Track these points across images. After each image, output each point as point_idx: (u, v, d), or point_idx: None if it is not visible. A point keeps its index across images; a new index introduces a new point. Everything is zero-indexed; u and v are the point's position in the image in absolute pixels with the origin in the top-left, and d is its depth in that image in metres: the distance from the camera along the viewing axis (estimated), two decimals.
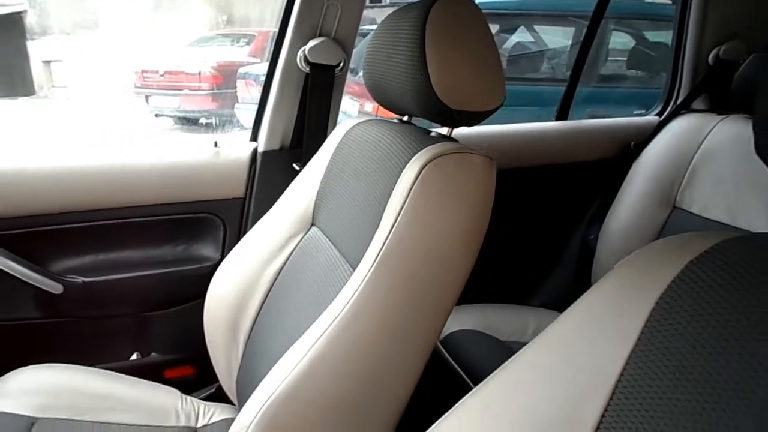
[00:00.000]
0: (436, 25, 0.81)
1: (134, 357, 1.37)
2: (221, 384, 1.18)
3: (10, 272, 1.19)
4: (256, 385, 0.85)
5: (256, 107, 1.38)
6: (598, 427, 0.43)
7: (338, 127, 1.11)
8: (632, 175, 1.59)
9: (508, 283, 1.65)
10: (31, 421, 1.00)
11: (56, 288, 1.23)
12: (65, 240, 1.27)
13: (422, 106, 0.87)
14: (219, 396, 1.27)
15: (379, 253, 0.77)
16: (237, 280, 1.10)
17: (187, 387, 1.21)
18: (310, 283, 0.99)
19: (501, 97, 0.87)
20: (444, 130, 0.93)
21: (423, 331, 0.79)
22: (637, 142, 1.64)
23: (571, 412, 0.44)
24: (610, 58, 4.04)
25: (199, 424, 1.13)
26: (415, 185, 0.78)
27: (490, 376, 0.53)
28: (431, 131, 0.94)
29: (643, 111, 1.92)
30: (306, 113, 1.30)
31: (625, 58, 3.81)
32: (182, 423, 1.12)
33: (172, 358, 1.39)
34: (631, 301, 0.45)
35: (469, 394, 0.53)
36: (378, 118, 1.07)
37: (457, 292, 0.81)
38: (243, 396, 1.10)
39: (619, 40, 4.03)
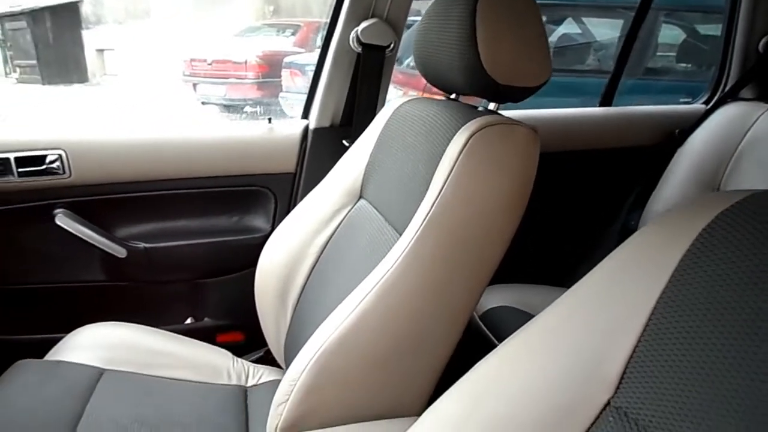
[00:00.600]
0: (487, 1, 0.85)
1: (189, 321, 1.46)
2: (270, 348, 1.23)
3: (81, 236, 1.29)
4: None
5: (299, 96, 1.44)
6: (626, 369, 0.45)
7: (387, 105, 1.15)
8: (676, 161, 1.59)
9: (547, 265, 1.67)
10: (100, 372, 1.08)
11: (120, 252, 1.32)
12: (130, 208, 1.36)
13: (471, 82, 0.91)
14: (267, 360, 1.33)
15: (425, 218, 0.82)
16: (286, 250, 1.15)
17: (236, 351, 1.27)
18: (357, 251, 1.04)
19: (548, 74, 0.90)
20: (491, 106, 0.96)
21: (464, 293, 0.84)
22: (683, 129, 1.64)
23: (599, 355, 0.47)
24: (659, 53, 3.96)
25: (249, 384, 1.20)
26: (461, 154, 0.82)
27: (519, 330, 0.56)
28: (478, 107, 0.98)
29: (690, 99, 1.91)
30: (356, 92, 1.35)
31: (674, 53, 3.73)
32: (233, 382, 1.18)
33: (223, 323, 1.47)
34: (662, 248, 0.47)
35: (502, 343, 0.57)
36: (426, 97, 1.12)
37: (496, 259, 0.84)
38: (290, 359, 1.15)
39: (670, 33, 3.95)
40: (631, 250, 0.51)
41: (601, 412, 0.46)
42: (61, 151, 1.26)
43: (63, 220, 1.28)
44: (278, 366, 1.26)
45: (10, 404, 0.97)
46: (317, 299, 1.10)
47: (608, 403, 0.46)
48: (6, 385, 1.03)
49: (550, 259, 1.71)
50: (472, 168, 0.82)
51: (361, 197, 1.13)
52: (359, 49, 1.32)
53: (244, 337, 1.46)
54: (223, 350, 1.27)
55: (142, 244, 1.36)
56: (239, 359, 1.25)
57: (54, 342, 1.18)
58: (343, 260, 1.07)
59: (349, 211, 1.13)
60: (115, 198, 1.33)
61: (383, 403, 0.83)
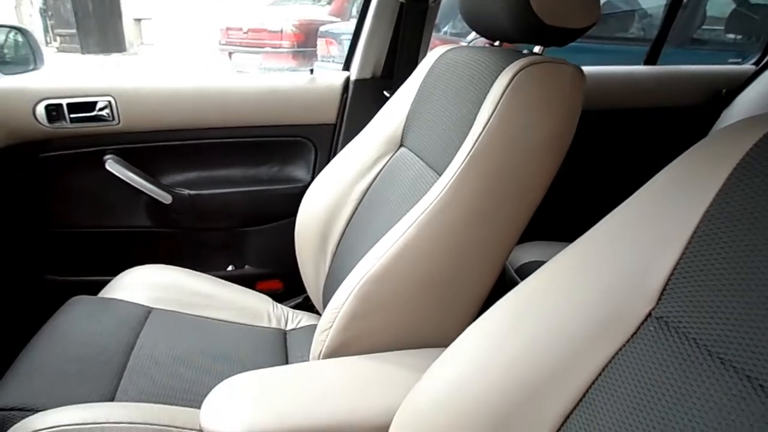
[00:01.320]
0: None
1: (230, 269, 1.50)
2: (309, 295, 1.26)
3: (129, 182, 1.33)
4: None
5: (335, 65, 1.44)
6: (668, 281, 0.46)
7: (429, 54, 1.15)
8: (722, 121, 1.56)
9: (585, 223, 1.67)
10: (148, 310, 1.13)
11: (166, 198, 1.37)
12: (175, 156, 1.40)
13: (517, 24, 0.90)
14: (306, 306, 1.37)
15: (468, 154, 0.82)
16: (327, 197, 1.17)
17: (275, 299, 1.31)
18: (396, 196, 1.05)
19: (595, 16, 0.89)
20: (536, 50, 0.96)
21: (504, 230, 0.84)
22: (730, 89, 1.60)
23: (641, 270, 0.47)
24: (706, 26, 3.82)
25: (288, 328, 1.23)
26: (506, 91, 0.82)
27: (561, 252, 0.57)
28: (523, 51, 0.97)
29: (739, 60, 1.85)
30: (398, 43, 1.35)
31: (722, 27, 3.60)
32: (273, 325, 1.22)
33: (263, 272, 1.51)
34: (710, 164, 0.48)
35: (545, 264, 0.57)
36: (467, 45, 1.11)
37: (536, 200, 0.85)
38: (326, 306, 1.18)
39: (718, 4, 3.81)
40: (678, 169, 0.51)
41: (642, 323, 0.46)
42: (110, 98, 1.30)
43: (112, 165, 1.33)
44: (316, 312, 1.29)
45: (68, 334, 1.02)
46: (356, 244, 1.12)
47: (649, 315, 0.46)
48: (62, 317, 1.08)
49: (588, 218, 1.69)
50: (516, 105, 0.82)
51: (401, 145, 1.14)
52: (402, 0, 1.32)
53: (283, 285, 1.49)
54: (264, 295, 1.31)
55: (186, 191, 1.39)
56: (279, 304, 1.29)
57: (103, 284, 1.23)
58: (383, 206, 1.08)
59: (389, 160, 1.14)
60: (161, 146, 1.37)
61: (424, 333, 0.85)
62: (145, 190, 1.35)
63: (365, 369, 0.81)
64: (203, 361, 1.02)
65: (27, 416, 0.84)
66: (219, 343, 1.07)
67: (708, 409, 0.39)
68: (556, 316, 0.51)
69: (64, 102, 1.28)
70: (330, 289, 1.18)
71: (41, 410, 0.85)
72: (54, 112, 1.28)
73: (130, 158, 1.35)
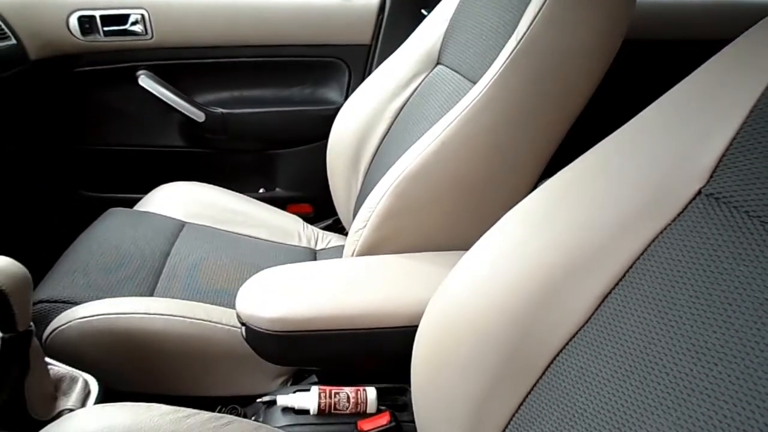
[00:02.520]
0: None
1: (261, 191, 1.51)
2: (339, 217, 1.27)
3: (162, 98, 1.33)
4: None
5: None
6: (721, 159, 0.44)
7: None
8: None
9: None
10: (182, 224, 1.15)
11: (199, 116, 1.37)
12: (208, 74, 1.40)
13: None
14: (336, 228, 1.38)
15: (510, 53, 0.79)
16: (360, 116, 1.15)
17: (305, 222, 1.31)
18: (433, 111, 1.03)
19: None
20: None
21: (543, 134, 0.83)
22: None
23: (692, 149, 0.46)
24: None
25: (318, 247, 1.25)
26: None
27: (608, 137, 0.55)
28: None
29: None
30: None
31: None
32: (303, 244, 1.23)
33: (293, 195, 1.52)
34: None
35: (591, 150, 0.56)
36: None
37: (576, 109, 0.82)
38: None
39: None
40: (743, 43, 0.49)
41: (690, 201, 0.45)
42: (143, 11, 1.29)
43: (145, 81, 1.33)
44: (346, 234, 1.30)
45: (105, 239, 1.05)
46: (389, 163, 1.11)
47: (699, 192, 0.45)
48: (100, 225, 1.12)
49: None
50: (561, 9, 0.79)
51: (438, 63, 1.11)
52: None
53: (313, 209, 1.50)
54: (295, 216, 1.32)
55: (219, 110, 1.39)
56: (309, 225, 1.30)
57: (137, 202, 1.25)
58: (418, 123, 1.07)
59: (425, 78, 1.12)
60: (194, 63, 1.36)
61: (457, 235, 0.85)
62: (178, 108, 1.35)
63: (398, 264, 0.81)
64: (236, 271, 1.04)
65: (69, 308, 0.87)
66: (251, 257, 1.09)
67: (756, 275, 0.39)
68: (598, 198, 0.50)
69: (97, 14, 1.28)
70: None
71: (82, 303, 0.88)
72: (87, 24, 1.28)
73: (163, 75, 1.35)
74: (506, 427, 0.54)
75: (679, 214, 0.45)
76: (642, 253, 0.46)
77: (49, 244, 1.05)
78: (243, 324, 0.73)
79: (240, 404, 0.88)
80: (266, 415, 0.82)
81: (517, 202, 0.85)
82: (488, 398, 0.54)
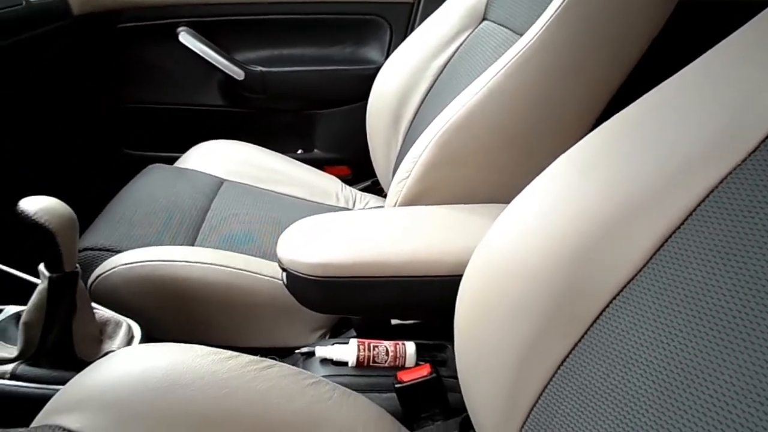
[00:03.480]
0: None
1: (299, 152, 1.50)
2: (378, 178, 1.25)
3: (202, 55, 1.33)
4: None
5: None
6: None
7: None
8: None
9: None
10: (221, 181, 1.15)
11: (239, 74, 1.36)
12: (248, 32, 1.39)
13: None
14: (374, 190, 1.37)
15: (562, 2, 0.76)
16: (401, 74, 1.13)
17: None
18: (478, 66, 1.00)
19: None
20: None
21: (592, 88, 0.79)
22: None
23: (756, 99, 0.43)
24: None
25: (356, 208, 1.24)
26: None
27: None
28: None
29: None
30: None
31: None
32: (341, 204, 1.22)
33: (331, 156, 1.51)
34: None
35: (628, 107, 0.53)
36: None
37: (631, 62, 0.78)
38: None
39: None
40: None
41: (765, 138, 0.42)
42: None
43: (186, 38, 1.32)
44: (384, 196, 1.29)
45: (146, 193, 1.06)
46: (431, 121, 1.09)
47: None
48: (141, 180, 1.13)
49: None
50: None
51: (484, 19, 1.08)
52: None
53: (351, 171, 1.49)
54: (333, 177, 1.31)
55: (258, 68, 1.38)
56: (347, 186, 1.29)
57: (175, 161, 1.26)
58: (462, 79, 1.03)
59: (470, 34, 1.09)
60: (234, 20, 1.36)
61: (503, 187, 0.82)
62: (218, 65, 1.35)
63: (442, 214, 0.80)
64: (274, 227, 1.04)
65: (112, 256, 0.88)
66: (289, 215, 1.09)
67: None
68: (659, 137, 0.47)
69: None
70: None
71: (125, 251, 0.89)
72: None
73: (203, 32, 1.35)
74: (551, 380, 0.52)
75: (750, 153, 0.43)
76: (708, 195, 0.44)
77: (92, 198, 1.07)
78: (284, 269, 0.73)
79: (278, 356, 0.89)
80: (304, 365, 0.82)
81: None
82: (533, 350, 0.53)
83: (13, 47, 1.09)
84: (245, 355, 0.65)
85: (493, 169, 0.82)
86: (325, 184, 1.27)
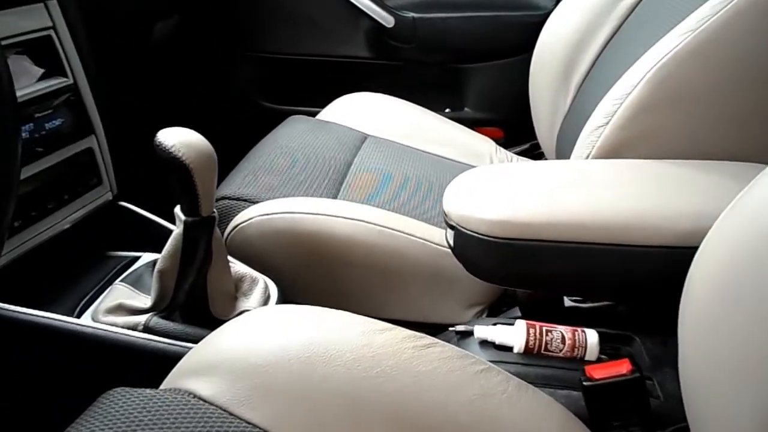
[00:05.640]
0: None
1: (447, 110, 1.38)
2: (539, 140, 1.10)
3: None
4: (578, 136, 0.74)
5: None
6: None
7: None
8: None
9: None
10: (364, 136, 1.06)
11: (388, 21, 1.27)
12: None
13: None
14: (532, 155, 1.22)
15: None
16: (578, 18, 0.97)
17: None
18: (686, 4, 0.81)
19: None
20: None
21: None
22: None
23: None
24: None
25: None
26: None
27: None
28: None
29: None
30: None
31: None
32: None
33: (483, 117, 1.37)
34: None
35: None
36: None
37: None
38: (564, 149, 1.01)
39: None
40: None
41: None
42: None
43: None
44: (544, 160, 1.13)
45: (288, 143, 0.99)
46: (615, 72, 0.90)
47: None
48: (282, 130, 1.06)
49: None
50: None
51: None
52: None
53: (504, 134, 1.34)
54: (487, 138, 1.18)
55: (410, 14, 1.28)
56: (502, 149, 1.15)
57: (314, 115, 1.19)
58: (663, 18, 0.83)
59: None
60: None
61: (744, 140, 0.63)
62: (366, 10, 1.26)
63: (661, 170, 0.62)
64: (423, 189, 0.92)
65: (250, 206, 0.81)
66: (439, 176, 0.97)
67: None
68: None
69: None
70: (568, 131, 0.99)
71: (264, 201, 0.81)
72: None
73: None
74: None
75: None
76: None
77: (229, 150, 1.02)
78: (452, 227, 0.59)
79: (428, 332, 0.77)
80: (458, 345, 0.70)
81: None
82: None
83: None
84: (401, 329, 0.53)
85: (731, 115, 0.62)
86: (477, 145, 1.14)
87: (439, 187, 0.94)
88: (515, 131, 1.30)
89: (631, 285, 0.59)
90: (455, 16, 1.28)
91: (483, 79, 1.35)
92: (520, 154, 1.18)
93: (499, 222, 0.55)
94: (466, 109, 1.39)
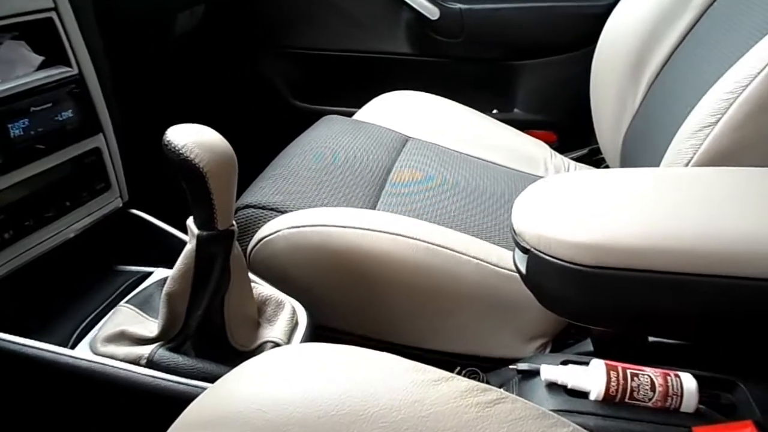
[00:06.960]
0: None
1: (494, 112, 1.29)
2: (599, 144, 1.01)
3: None
4: (658, 139, 0.65)
5: None
6: None
7: None
8: None
9: None
10: (405, 138, 0.98)
11: (433, 13, 1.19)
12: None
13: None
14: (591, 161, 1.13)
15: None
16: (650, 8, 0.89)
17: None
18: None
19: None
20: None
21: None
22: None
23: None
24: None
25: None
26: None
27: None
28: None
29: None
30: None
31: None
32: (551, 174, 0.99)
33: (534, 119, 1.28)
34: None
35: None
36: None
37: None
38: (631, 156, 0.90)
39: None
40: None
41: None
42: None
43: None
44: (606, 167, 1.04)
45: (321, 147, 0.90)
46: (698, 68, 0.79)
47: None
48: (316, 131, 0.99)
49: None
50: None
51: None
52: None
53: (557, 138, 1.25)
54: (541, 142, 1.09)
55: (457, 5, 1.20)
56: (558, 154, 1.07)
57: (350, 115, 1.11)
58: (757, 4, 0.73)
59: None
60: None
61: None
62: (408, 1, 1.18)
63: None
64: (472, 199, 0.82)
65: (277, 216, 0.71)
66: (489, 186, 0.88)
67: None
68: None
69: None
70: (636, 135, 0.91)
71: (293, 211, 0.71)
72: None
73: None
74: None
75: None
76: None
77: (255, 153, 0.95)
78: (525, 250, 0.48)
79: (480, 367, 0.66)
80: (520, 387, 0.59)
81: None
82: None
83: None
84: (459, 378, 0.42)
85: None
86: (530, 150, 1.05)
87: (490, 196, 0.85)
88: (569, 135, 1.21)
89: (749, 325, 0.47)
90: (507, 7, 1.20)
91: (536, 78, 1.26)
92: (577, 160, 1.08)
93: (590, 246, 0.44)
94: (515, 110, 1.30)
